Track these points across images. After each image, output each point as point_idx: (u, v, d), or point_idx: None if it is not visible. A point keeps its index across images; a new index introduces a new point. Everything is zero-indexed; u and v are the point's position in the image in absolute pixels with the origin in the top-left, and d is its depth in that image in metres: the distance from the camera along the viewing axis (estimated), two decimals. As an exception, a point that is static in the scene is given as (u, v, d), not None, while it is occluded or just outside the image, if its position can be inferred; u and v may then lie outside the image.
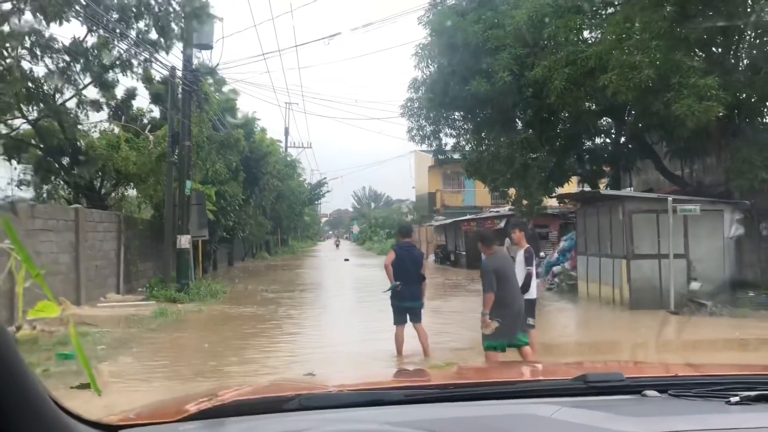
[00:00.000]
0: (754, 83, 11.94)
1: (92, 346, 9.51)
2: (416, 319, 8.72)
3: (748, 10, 11.75)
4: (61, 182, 19.62)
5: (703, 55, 12.24)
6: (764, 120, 13.11)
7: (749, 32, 12.59)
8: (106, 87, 18.69)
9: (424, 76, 17.88)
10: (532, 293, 8.57)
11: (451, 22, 14.45)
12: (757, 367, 2.35)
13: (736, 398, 1.48)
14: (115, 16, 14.38)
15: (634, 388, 1.65)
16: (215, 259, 28.44)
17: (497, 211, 31.67)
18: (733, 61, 12.59)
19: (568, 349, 10.16)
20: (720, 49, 12.52)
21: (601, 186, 19.41)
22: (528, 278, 8.66)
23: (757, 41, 12.42)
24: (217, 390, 1.87)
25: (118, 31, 14.50)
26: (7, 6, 10.83)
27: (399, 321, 8.67)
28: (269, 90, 71.37)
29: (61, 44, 15.46)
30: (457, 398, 1.63)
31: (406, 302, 8.61)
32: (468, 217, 32.75)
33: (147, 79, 19.92)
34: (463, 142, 21.27)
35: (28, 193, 18.59)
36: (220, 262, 30.24)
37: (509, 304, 7.07)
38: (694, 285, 13.80)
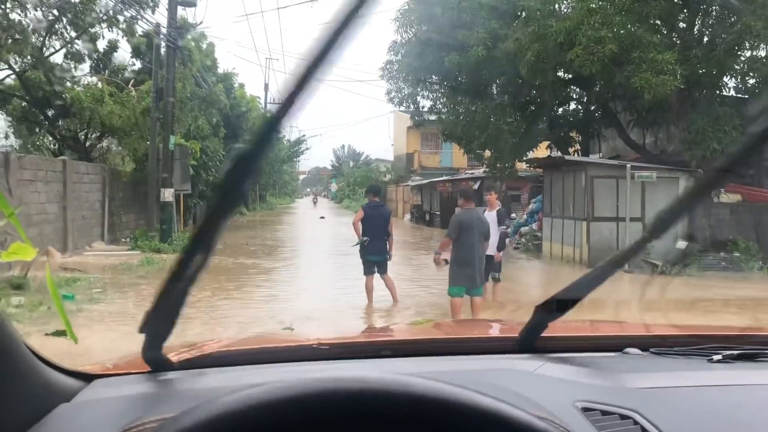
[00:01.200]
0: (710, 59, 12.77)
1: (86, 290, 10.23)
2: (383, 270, 9.58)
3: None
4: (47, 134, 19.97)
5: (665, 31, 13.01)
6: (720, 93, 13.94)
7: (711, 9, 13.38)
8: (90, 40, 18.98)
9: (404, 40, 18.46)
10: (493, 248, 9.50)
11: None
12: (736, 328, 2.43)
13: (719, 357, 1.50)
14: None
15: (615, 345, 1.66)
16: (195, 213, 29.01)
17: (473, 173, 32.50)
18: (697, 36, 13.38)
19: (526, 301, 11.13)
20: (683, 25, 13.30)
21: (571, 152, 20.31)
22: (503, 237, 9.75)
23: (716, 20, 13.21)
24: (198, 342, 1.87)
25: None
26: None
27: (368, 272, 9.53)
28: (251, 49, 70.66)
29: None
30: (438, 352, 1.64)
31: (374, 256, 9.46)
32: (443, 178, 33.58)
33: (129, 33, 20.17)
34: (440, 106, 21.98)
35: (14, 144, 18.96)
36: (199, 216, 30.80)
37: (467, 255, 7.91)
38: (681, 243, 14.66)
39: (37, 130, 19.90)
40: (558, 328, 1.80)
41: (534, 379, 1.36)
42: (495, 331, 2.26)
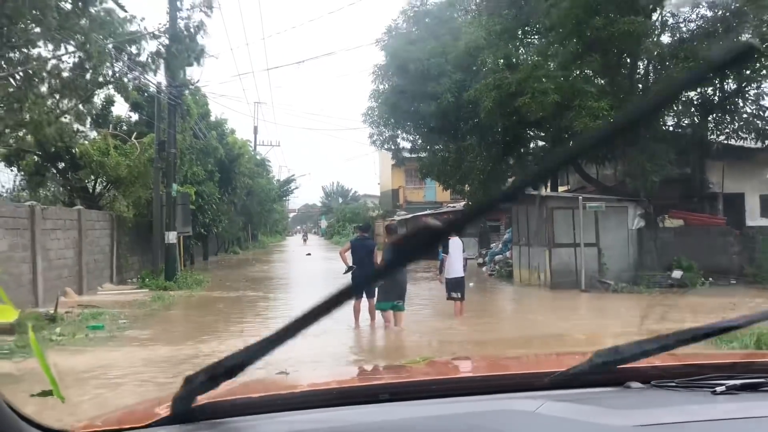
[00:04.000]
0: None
1: (113, 321, 11.92)
2: (371, 295, 11.31)
3: (641, 47, 14.61)
4: (59, 185, 21.75)
5: (603, 82, 15.09)
6: (656, 132, 15.91)
7: (643, 63, 15.53)
8: (87, 99, 20.88)
9: (380, 90, 20.54)
10: (460, 272, 11.41)
11: (402, 49, 17.17)
12: (737, 354, 2.46)
13: (722, 388, 1.47)
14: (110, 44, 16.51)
15: (617, 380, 1.64)
16: (192, 254, 30.65)
17: (454, 206, 34.51)
18: (629, 85, 15.48)
19: (492, 321, 12.91)
20: (619, 78, 15.41)
21: (542, 186, 22.30)
22: (465, 261, 11.68)
23: (646, 72, 15.34)
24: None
25: (113, 54, 16.60)
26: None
27: (355, 296, 11.30)
28: (242, 101, 73.65)
29: (65, 65, 17.63)
30: (436, 395, 1.60)
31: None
32: (426, 212, 35.51)
33: (126, 91, 22.06)
34: (418, 147, 24.01)
35: (26, 195, 20.69)
36: (196, 256, 32.42)
37: (392, 278, 9.89)
38: (677, 273, 16.21)
39: (48, 183, 21.65)
40: (555, 362, 1.76)
41: (536, 419, 1.34)
42: (492, 370, 2.21)
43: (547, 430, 1.29)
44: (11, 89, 11.18)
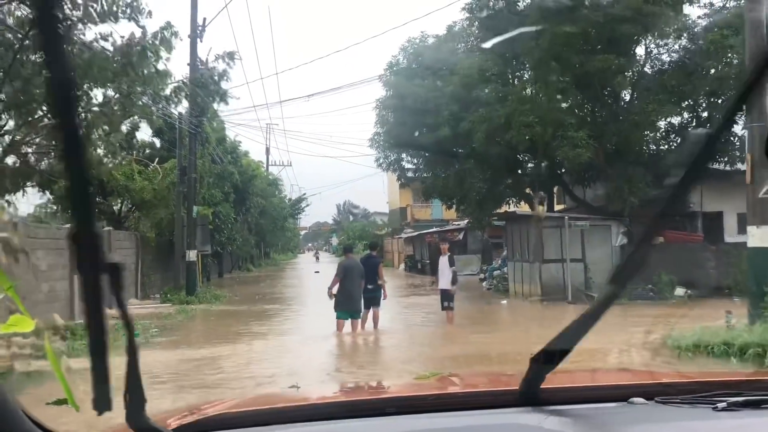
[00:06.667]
0: (620, 132, 16.37)
1: (145, 331, 13.49)
2: (376, 304, 12.55)
3: (616, 81, 16.19)
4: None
5: (584, 112, 16.67)
6: (635, 157, 17.40)
7: (616, 98, 17.13)
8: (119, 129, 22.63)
9: (384, 118, 22.24)
10: (446, 285, 12.96)
11: (401, 84, 18.90)
12: (741, 373, 2.61)
13: (723, 404, 1.48)
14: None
15: (620, 395, 1.64)
16: (209, 271, 32.32)
17: (458, 225, 35.98)
18: (606, 117, 17.04)
19: (484, 330, 14.39)
20: (598, 108, 17.00)
21: (538, 205, 23.84)
22: (454, 274, 13.17)
23: (623, 104, 16.91)
24: (201, 404, 1.89)
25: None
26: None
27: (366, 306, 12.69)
28: (256, 127, 76.40)
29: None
30: (443, 408, 1.61)
31: (368, 293, 12.52)
32: (432, 230, 37.03)
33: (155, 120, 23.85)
34: (421, 169, 25.65)
35: (61, 219, 22.40)
36: (212, 273, 34.10)
37: (349, 290, 11.67)
38: (680, 291, 17.53)
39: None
40: (561, 378, 1.82)
41: None
42: (499, 384, 2.24)
43: None
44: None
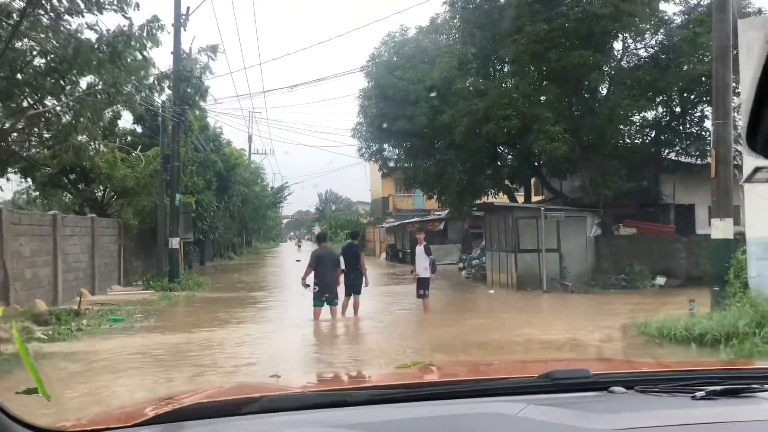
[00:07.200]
0: (596, 126, 16.83)
1: (130, 316, 13.76)
2: (357, 292, 12.92)
3: (591, 77, 16.61)
4: (70, 195, 23.59)
5: (563, 104, 17.09)
6: (611, 150, 17.88)
7: (598, 91, 17.57)
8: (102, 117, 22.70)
9: (366, 109, 22.54)
10: (427, 273, 13.32)
11: (383, 76, 19.21)
12: (720, 362, 2.64)
13: (702, 393, 1.51)
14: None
15: (600, 384, 1.66)
16: (191, 259, 32.49)
17: (439, 215, 36.44)
18: (582, 112, 17.49)
19: (465, 314, 14.81)
20: (574, 102, 17.43)
21: (517, 196, 24.32)
22: (432, 263, 13.54)
23: (598, 100, 17.37)
24: (178, 394, 1.87)
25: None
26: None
27: (347, 294, 13.04)
28: (240, 118, 76.30)
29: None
30: (422, 398, 1.63)
31: (348, 281, 12.90)
32: (413, 220, 37.43)
33: (137, 107, 23.93)
34: (402, 159, 26.00)
35: (43, 206, 22.48)
36: (193, 261, 34.28)
37: (323, 278, 11.94)
38: (660, 279, 17.97)
39: (60, 192, 23.48)
40: (540, 367, 1.83)
41: (518, 423, 1.36)
42: (477, 374, 2.24)
43: None
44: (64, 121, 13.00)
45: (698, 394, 1.52)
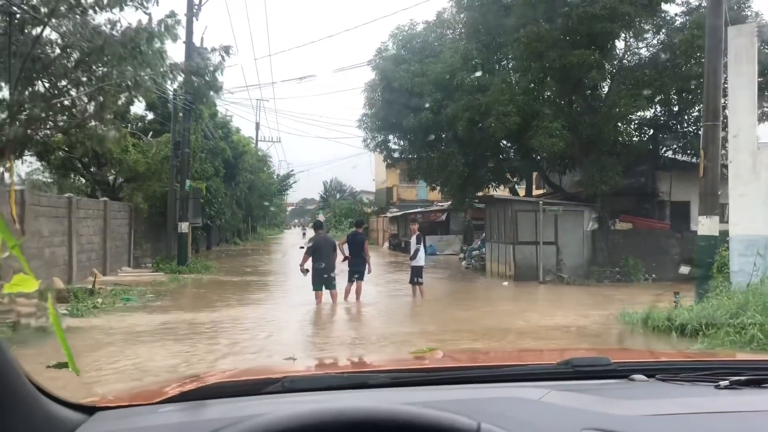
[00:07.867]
0: (595, 124, 17.37)
1: (142, 295, 14.42)
2: (361, 278, 13.59)
3: (590, 76, 17.12)
4: (83, 178, 24.28)
5: (561, 102, 17.63)
6: (608, 147, 18.41)
7: (598, 89, 18.08)
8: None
9: (372, 101, 23.11)
10: (421, 261, 14.00)
11: (389, 70, 19.78)
12: (743, 354, 2.61)
13: (726, 382, 1.49)
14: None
15: (620, 372, 1.65)
16: (198, 244, 33.18)
17: (442, 206, 37.03)
18: (582, 108, 18.01)
19: (463, 300, 15.45)
20: (574, 100, 17.95)
21: (519, 189, 24.91)
22: (416, 251, 14.20)
23: (599, 98, 17.89)
24: (201, 373, 1.98)
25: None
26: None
27: (350, 280, 13.66)
28: (248, 107, 76.75)
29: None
30: (443, 382, 1.63)
31: (354, 267, 13.58)
32: (415, 210, 38.03)
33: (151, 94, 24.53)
34: (406, 150, 26.60)
35: (57, 189, 23.14)
36: (200, 246, 34.96)
37: (319, 264, 12.56)
38: (684, 269, 18.46)
39: (73, 175, 24.15)
40: (561, 354, 1.85)
41: (539, 408, 1.35)
42: (498, 360, 2.25)
43: (550, 418, 1.29)
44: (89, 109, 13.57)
45: (722, 383, 1.51)
